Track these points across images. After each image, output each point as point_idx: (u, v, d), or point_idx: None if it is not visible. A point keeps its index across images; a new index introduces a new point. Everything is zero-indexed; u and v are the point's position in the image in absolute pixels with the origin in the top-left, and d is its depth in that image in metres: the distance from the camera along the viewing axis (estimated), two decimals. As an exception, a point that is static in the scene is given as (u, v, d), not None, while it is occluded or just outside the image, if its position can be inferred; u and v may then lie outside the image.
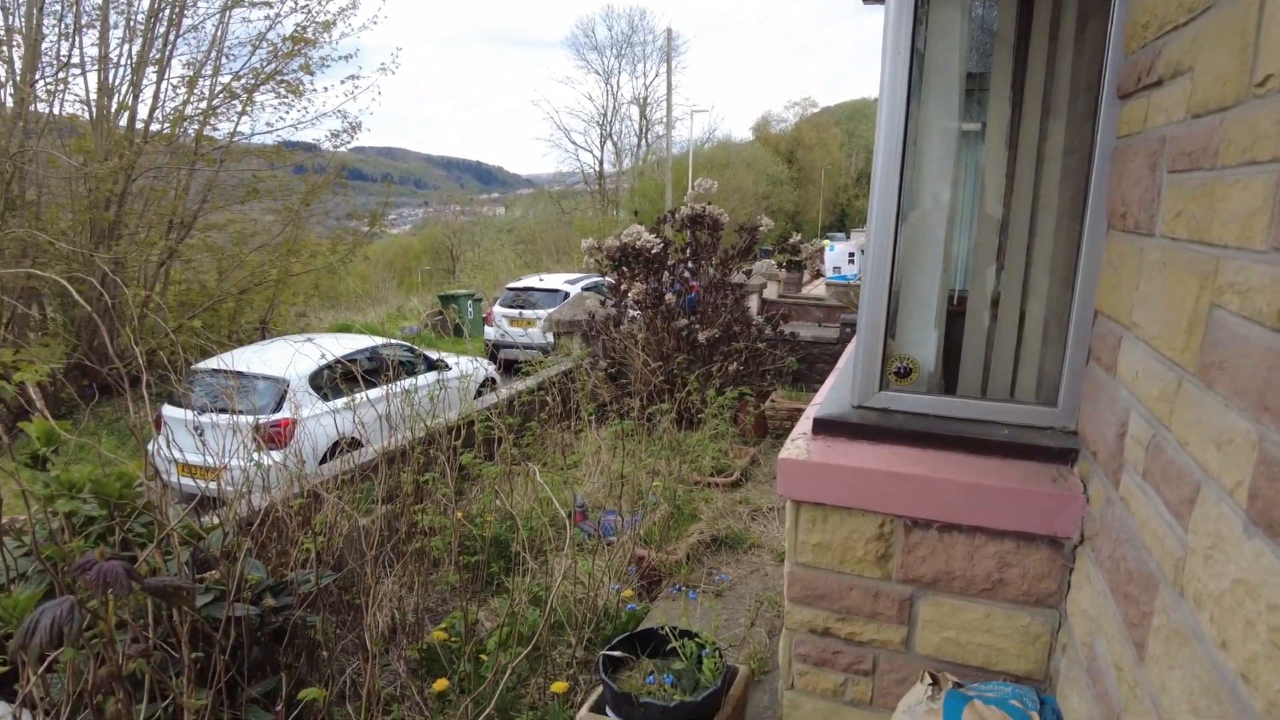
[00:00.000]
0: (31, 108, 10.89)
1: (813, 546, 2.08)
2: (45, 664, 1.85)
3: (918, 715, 1.73)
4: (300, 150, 14.61)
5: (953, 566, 1.96)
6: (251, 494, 3.26)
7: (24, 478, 2.19)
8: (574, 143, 57.08)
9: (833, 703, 2.20)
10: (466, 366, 8.80)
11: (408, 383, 4.83)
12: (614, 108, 43.81)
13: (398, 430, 4.15)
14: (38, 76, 10.95)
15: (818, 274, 25.51)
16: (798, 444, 2.12)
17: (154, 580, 1.25)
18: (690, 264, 6.89)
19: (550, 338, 8.58)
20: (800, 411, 6.39)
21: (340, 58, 14.16)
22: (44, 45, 11.15)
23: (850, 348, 3.42)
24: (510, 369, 6.38)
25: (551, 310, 11.18)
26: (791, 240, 7.41)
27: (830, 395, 2.46)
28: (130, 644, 1.45)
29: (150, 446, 7.48)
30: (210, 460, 3.82)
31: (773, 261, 7.13)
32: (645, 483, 4.49)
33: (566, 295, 13.51)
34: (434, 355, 9.00)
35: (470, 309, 16.39)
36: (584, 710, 2.46)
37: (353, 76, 14.17)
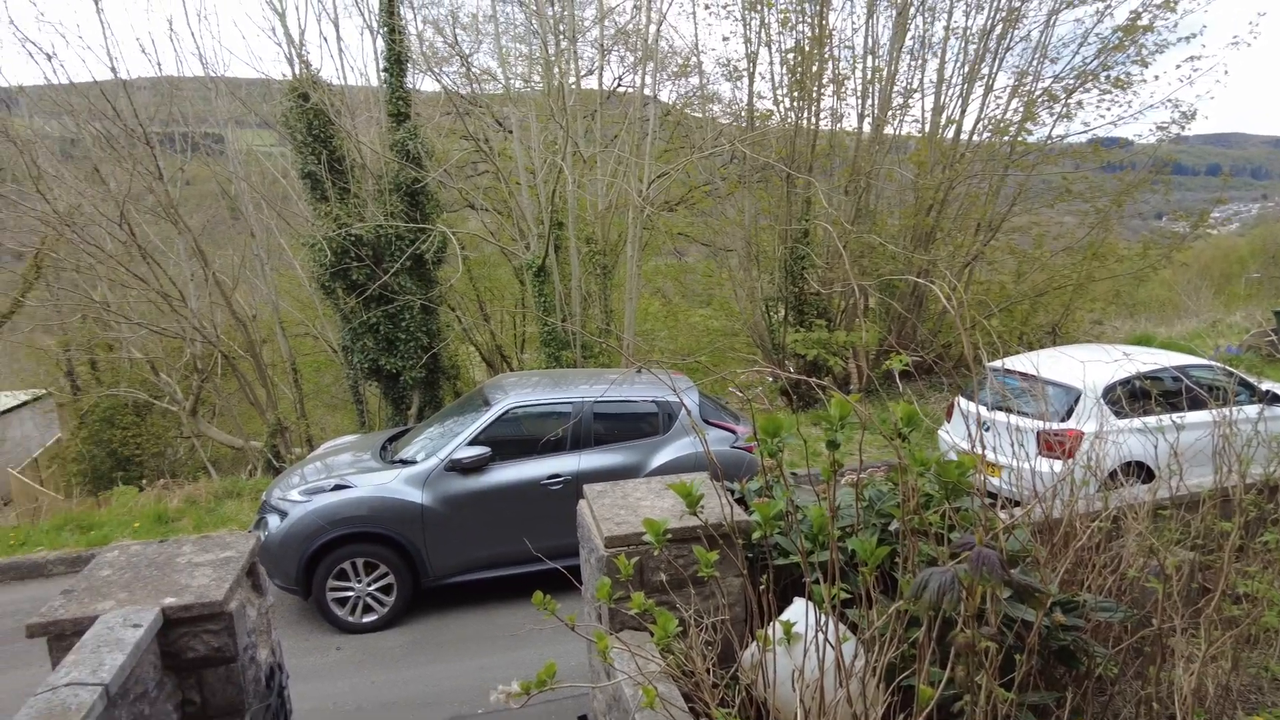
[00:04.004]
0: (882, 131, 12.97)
1: None
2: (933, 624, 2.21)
3: None
4: (1115, 148, 13.74)
5: None
6: (1049, 501, 3.26)
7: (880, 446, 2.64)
8: None
9: None
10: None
11: (1233, 412, 4.10)
12: None
13: (1220, 468, 3.56)
14: (891, 105, 12.96)
15: None
16: None
17: (1020, 576, 1.36)
18: None
19: None
20: None
21: (1179, 40, 12.70)
22: (897, 77, 13.11)
23: None
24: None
25: None
26: None
27: None
28: (981, 625, 1.63)
29: (940, 432, 8.13)
30: (1003, 458, 3.96)
31: None
32: None
33: None
34: (1263, 385, 7.44)
35: (1320, 331, 12.93)
36: None
37: (1192, 58, 12.52)
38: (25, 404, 21.01)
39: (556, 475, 6.44)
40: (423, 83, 14.50)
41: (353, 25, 22.75)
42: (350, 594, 6.15)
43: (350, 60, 33.30)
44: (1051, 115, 12.87)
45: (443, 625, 6.26)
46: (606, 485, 3.59)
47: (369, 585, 6.17)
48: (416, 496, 6.19)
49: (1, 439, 18.87)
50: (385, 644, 6.00)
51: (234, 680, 3.07)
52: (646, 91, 13.48)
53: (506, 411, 6.61)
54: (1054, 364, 7.40)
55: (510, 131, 13.29)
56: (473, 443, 6.41)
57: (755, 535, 2.46)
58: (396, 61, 11.56)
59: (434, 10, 22.89)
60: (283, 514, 6.16)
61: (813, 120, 12.81)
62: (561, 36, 12.86)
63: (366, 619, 6.19)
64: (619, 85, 16.63)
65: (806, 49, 12.44)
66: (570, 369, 11.23)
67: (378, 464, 6.61)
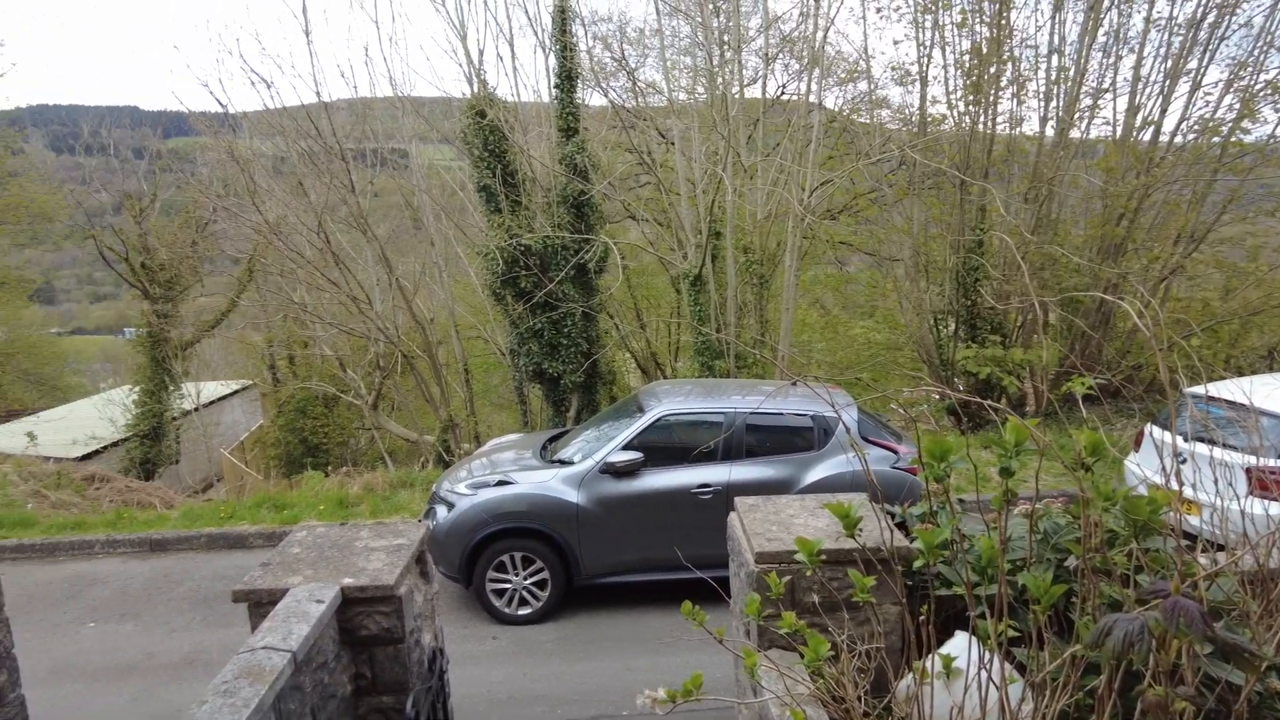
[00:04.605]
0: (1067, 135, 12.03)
1: None
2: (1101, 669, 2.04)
3: None
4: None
5: None
6: (1265, 549, 2.88)
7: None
8: None
9: None
10: None
11: None
12: None
13: None
14: (1078, 106, 12.00)
15: None
16: None
17: (1227, 634, 1.22)
18: None
19: None
20: None
21: None
22: (1086, 77, 12.12)
23: None
24: None
25: None
26: None
27: None
28: (1177, 684, 1.47)
29: (1128, 463, 7.44)
30: (1204, 495, 3.56)
31: None
32: None
33: None
34: None
35: None
36: None
37: None
38: (235, 393, 23.62)
39: (707, 485, 6.44)
40: (591, 98, 15.00)
41: (527, 44, 24.05)
42: (508, 586, 6.43)
43: (524, 78, 35.09)
44: (1277, 111, 11.45)
45: (592, 624, 6.41)
46: (758, 499, 3.55)
47: (525, 579, 6.43)
48: (572, 496, 6.39)
49: (216, 423, 21.28)
50: (538, 637, 6.23)
51: (401, 660, 3.29)
52: (811, 98, 13.25)
53: (660, 418, 6.69)
54: (1272, 392, 6.56)
55: (672, 143, 13.48)
56: (626, 447, 6.53)
57: (917, 563, 2.34)
58: (567, 78, 12.02)
59: (603, 26, 23.65)
60: (450, 505, 6.54)
61: (989, 124, 12.10)
62: (726, 47, 12.90)
63: (522, 612, 6.45)
64: (783, 93, 16.47)
65: (984, 50, 11.78)
66: (723, 379, 11.21)
67: (538, 463, 6.88)
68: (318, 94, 12.60)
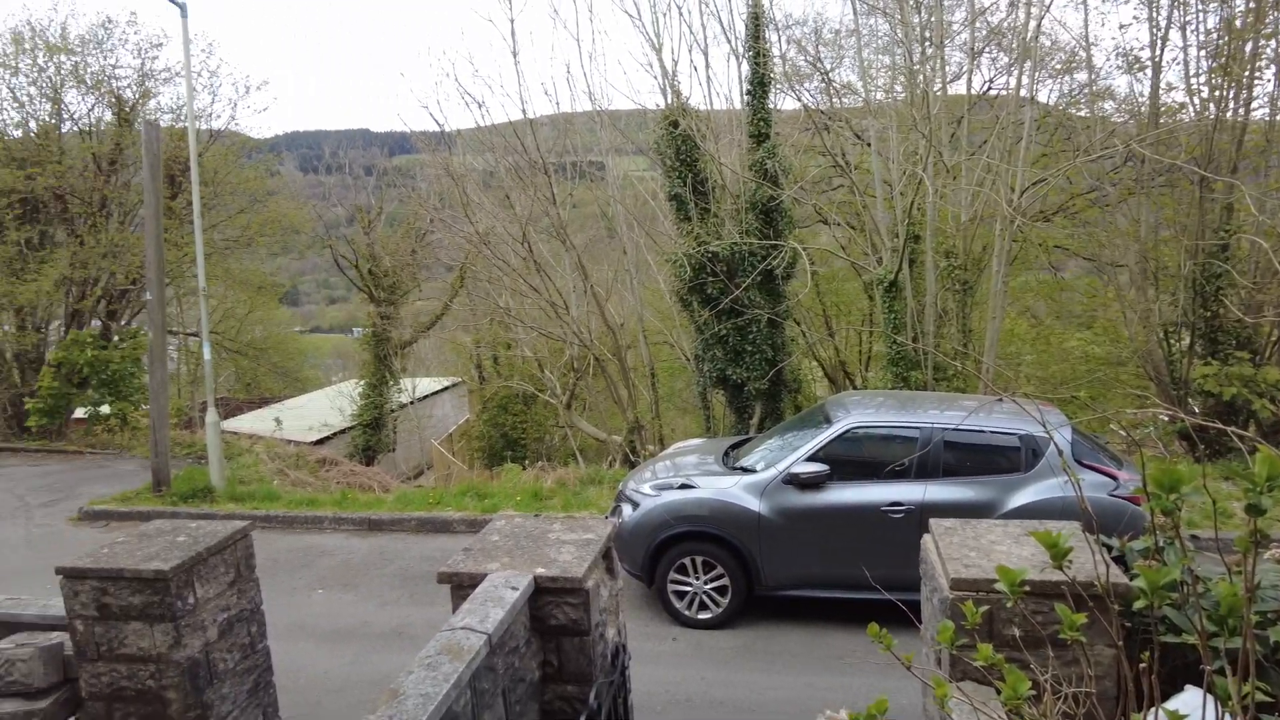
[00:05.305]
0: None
1: None
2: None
3: None
4: None
5: None
6: None
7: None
8: None
9: None
10: None
11: None
12: None
13: None
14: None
15: None
16: None
17: None
18: None
19: None
20: None
21: None
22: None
23: None
24: None
25: None
26: None
27: None
28: None
29: None
30: None
31: None
32: None
33: None
34: None
35: None
36: None
37: None
38: (446, 389, 25.65)
39: (898, 503, 6.15)
40: (783, 102, 14.84)
41: (720, 53, 24.17)
42: (689, 589, 6.49)
43: (717, 86, 35.34)
44: None
45: (772, 635, 6.32)
46: (956, 522, 3.35)
47: (706, 584, 6.46)
48: (754, 505, 6.34)
49: (428, 416, 23.21)
50: (717, 643, 6.24)
51: (585, 651, 3.42)
52: (1022, 93, 12.30)
53: (847, 430, 6.48)
54: None
55: (868, 144, 13.02)
56: (811, 459, 6.38)
57: (1137, 604, 2.10)
58: (759, 84, 11.98)
59: (797, 30, 23.26)
60: (635, 505, 6.71)
61: (1241, 111, 10.64)
62: (927, 43, 12.29)
63: (702, 616, 6.48)
64: (989, 88, 15.43)
65: (1238, 25, 10.38)
66: (919, 391, 10.66)
67: (720, 468, 6.90)
68: (523, 111, 13.42)
